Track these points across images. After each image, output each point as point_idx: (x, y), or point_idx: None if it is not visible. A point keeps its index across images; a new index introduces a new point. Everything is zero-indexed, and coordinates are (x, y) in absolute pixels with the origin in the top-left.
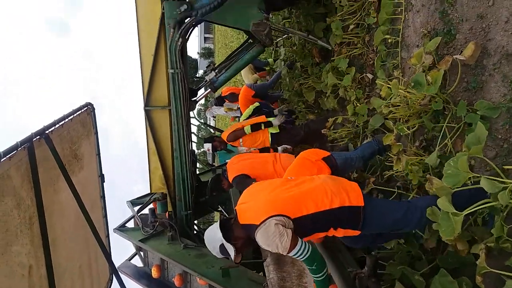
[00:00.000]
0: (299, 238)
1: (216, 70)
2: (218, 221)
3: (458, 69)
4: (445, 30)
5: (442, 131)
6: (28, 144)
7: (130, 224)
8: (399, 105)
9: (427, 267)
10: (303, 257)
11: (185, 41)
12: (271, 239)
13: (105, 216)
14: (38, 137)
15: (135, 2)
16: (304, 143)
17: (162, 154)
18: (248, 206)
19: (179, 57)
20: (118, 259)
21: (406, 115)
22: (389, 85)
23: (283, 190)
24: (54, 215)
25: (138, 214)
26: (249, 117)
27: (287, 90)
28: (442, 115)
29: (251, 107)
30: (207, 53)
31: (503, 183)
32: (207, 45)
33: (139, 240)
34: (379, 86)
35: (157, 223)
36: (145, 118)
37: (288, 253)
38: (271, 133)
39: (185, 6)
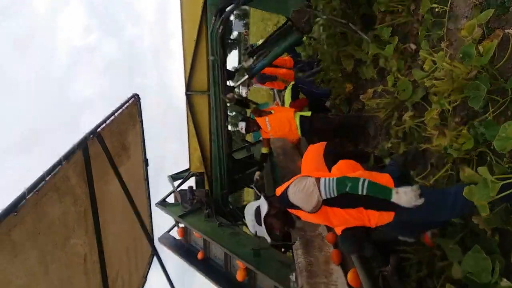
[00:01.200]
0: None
1: (254, 57)
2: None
3: (509, 44)
4: (498, 1)
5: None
6: (83, 146)
7: (170, 199)
8: (443, 79)
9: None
10: (332, 184)
11: (226, 28)
12: (300, 189)
13: (149, 197)
14: (91, 135)
15: None
16: (342, 136)
17: (201, 136)
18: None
19: (220, 44)
20: (159, 231)
21: (449, 89)
22: (433, 58)
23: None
24: (104, 205)
25: (178, 190)
26: (292, 98)
27: (324, 57)
28: (487, 92)
29: (289, 89)
30: (242, 14)
31: None
32: None
33: (178, 216)
34: (422, 58)
35: (195, 201)
36: (186, 102)
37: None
38: (301, 118)
39: None
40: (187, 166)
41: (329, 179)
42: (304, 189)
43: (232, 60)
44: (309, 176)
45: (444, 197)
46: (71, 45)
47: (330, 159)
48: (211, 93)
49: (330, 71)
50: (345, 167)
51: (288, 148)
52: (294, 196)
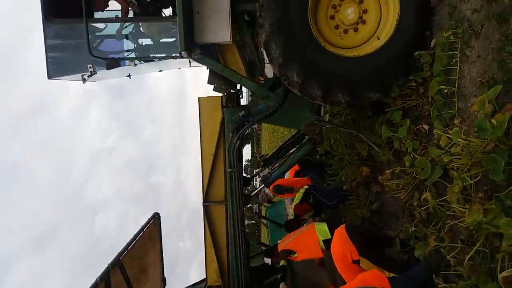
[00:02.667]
0: None
1: (270, 168)
2: None
3: None
4: (504, 79)
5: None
6: (106, 278)
7: None
8: (460, 154)
9: None
10: None
11: (242, 143)
12: None
13: None
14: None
15: (199, 106)
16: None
17: (218, 246)
18: None
19: (236, 157)
20: None
21: (467, 164)
22: (448, 134)
23: None
24: None
25: None
26: (301, 201)
27: (337, 144)
28: (507, 165)
29: (301, 192)
30: None
31: None
32: None
33: None
34: (436, 136)
35: None
36: (204, 213)
37: None
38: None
39: (243, 112)
40: (200, 268)
41: None
42: None
43: (245, 153)
44: None
45: None
46: (91, 146)
47: (358, 238)
48: (228, 202)
49: (345, 155)
50: (369, 278)
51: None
52: None
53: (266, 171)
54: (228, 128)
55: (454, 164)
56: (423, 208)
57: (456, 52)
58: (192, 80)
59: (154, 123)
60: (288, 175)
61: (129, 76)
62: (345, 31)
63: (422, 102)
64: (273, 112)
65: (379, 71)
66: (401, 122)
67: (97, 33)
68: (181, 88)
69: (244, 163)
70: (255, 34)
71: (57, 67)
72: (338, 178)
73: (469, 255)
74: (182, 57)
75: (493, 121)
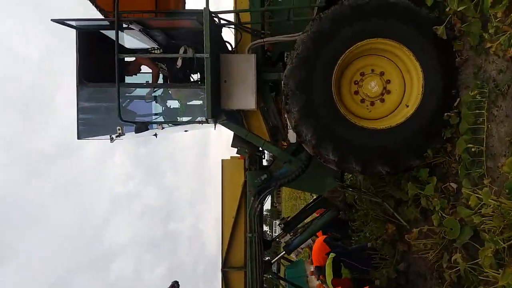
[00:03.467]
0: None
1: (291, 234)
2: None
3: None
4: None
5: None
6: None
7: None
8: (491, 216)
9: None
10: None
11: (263, 207)
12: None
13: None
14: None
15: (222, 168)
16: None
17: None
18: None
19: (257, 222)
20: None
21: (499, 226)
22: (478, 195)
23: None
24: None
25: None
26: (334, 273)
27: (360, 201)
28: None
29: (329, 263)
30: None
31: None
32: None
33: None
34: (465, 196)
35: None
36: (222, 279)
37: None
38: None
39: (265, 176)
40: None
41: None
42: None
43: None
44: None
45: None
46: (112, 191)
47: None
48: (247, 269)
49: (369, 211)
50: None
51: None
52: None
53: (287, 237)
54: (250, 191)
55: (486, 226)
56: (453, 270)
57: (483, 111)
58: (215, 133)
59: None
60: None
61: (155, 135)
62: (372, 103)
63: (449, 160)
64: (296, 177)
65: (414, 137)
66: (428, 179)
67: (127, 94)
68: (204, 139)
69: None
70: (278, 101)
71: (87, 128)
72: (363, 234)
73: None
74: (208, 123)
75: None
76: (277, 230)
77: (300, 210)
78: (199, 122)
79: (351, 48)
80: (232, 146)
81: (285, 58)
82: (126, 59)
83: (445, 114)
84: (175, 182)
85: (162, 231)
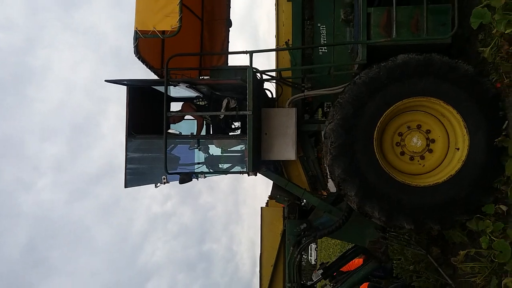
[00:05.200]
0: None
1: (331, 284)
2: None
3: None
4: None
5: None
6: None
7: None
8: None
9: None
10: None
11: (301, 257)
12: None
13: None
14: None
15: (261, 216)
16: None
17: None
18: None
19: (296, 272)
20: None
21: None
22: None
23: None
24: None
25: None
26: None
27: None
28: None
29: None
30: None
31: None
32: None
33: None
34: None
35: None
36: None
37: None
38: None
39: (304, 225)
40: None
41: None
42: None
43: None
44: None
45: None
46: (150, 212)
47: None
48: None
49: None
50: None
51: None
52: None
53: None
54: (289, 240)
55: None
56: None
57: None
58: None
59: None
60: None
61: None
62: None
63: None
64: (337, 229)
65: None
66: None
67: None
68: None
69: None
70: (318, 150)
71: (134, 178)
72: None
73: None
74: (248, 175)
75: None
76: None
77: (339, 256)
78: (240, 173)
79: (381, 119)
80: (271, 195)
81: (325, 108)
82: (172, 107)
83: (495, 140)
84: (210, 203)
85: (197, 251)
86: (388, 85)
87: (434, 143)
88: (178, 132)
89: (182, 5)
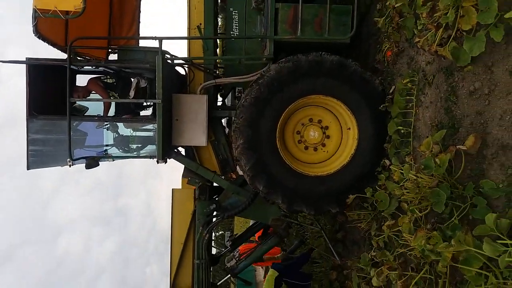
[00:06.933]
0: None
1: (237, 258)
2: None
3: (462, 158)
4: (449, 124)
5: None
6: None
7: None
8: (411, 188)
9: None
10: None
11: (211, 236)
12: None
13: None
14: None
15: (172, 197)
16: None
17: None
18: None
19: (205, 250)
20: None
21: (417, 197)
22: (401, 170)
23: None
24: None
25: None
26: None
27: None
28: (449, 199)
29: (270, 280)
30: None
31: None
32: None
33: None
34: (393, 172)
35: None
36: None
37: None
38: None
39: (214, 206)
40: None
41: None
42: None
43: None
44: None
45: None
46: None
47: None
48: None
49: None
50: None
51: None
52: None
53: (233, 261)
54: (199, 220)
55: (406, 197)
56: (380, 237)
57: (413, 98)
58: None
59: None
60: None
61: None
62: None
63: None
64: (244, 209)
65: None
66: None
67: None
68: None
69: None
70: (228, 134)
71: (37, 160)
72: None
73: (414, 280)
74: (158, 163)
75: (437, 160)
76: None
77: (246, 229)
78: (149, 157)
79: (278, 129)
80: (183, 176)
81: (237, 93)
82: (78, 80)
83: (381, 106)
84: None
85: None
86: (271, 99)
87: (328, 129)
88: (84, 107)
89: None
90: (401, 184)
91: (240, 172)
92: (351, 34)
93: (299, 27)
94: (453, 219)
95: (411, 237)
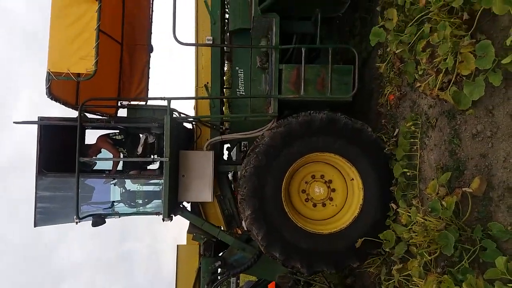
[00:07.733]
0: None
1: None
2: None
3: (468, 200)
4: (454, 166)
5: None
6: None
7: None
8: (419, 231)
9: None
10: None
11: None
12: None
13: None
14: None
15: (177, 253)
16: None
17: None
18: None
19: None
20: None
21: (426, 240)
22: (409, 213)
23: None
24: None
25: None
26: None
27: None
28: (458, 242)
29: None
30: None
31: None
32: None
33: None
34: (401, 214)
35: None
36: None
37: None
38: None
39: (219, 262)
40: None
41: None
42: None
43: None
44: None
45: None
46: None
47: None
48: None
49: None
50: None
51: None
52: None
53: None
54: (203, 277)
55: (415, 240)
56: (390, 282)
57: (417, 140)
58: None
59: None
60: None
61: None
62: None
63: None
64: (250, 267)
65: None
66: None
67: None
68: None
69: None
70: (234, 188)
71: (44, 217)
72: None
73: None
74: (164, 221)
75: (443, 202)
76: None
77: (254, 283)
78: (156, 214)
79: (282, 193)
80: (188, 232)
81: (242, 148)
82: (86, 142)
83: (385, 149)
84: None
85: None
86: (270, 165)
87: (332, 183)
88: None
89: (101, 31)
90: (409, 227)
91: (246, 227)
92: (353, 93)
93: (302, 87)
94: (463, 262)
95: (422, 281)
